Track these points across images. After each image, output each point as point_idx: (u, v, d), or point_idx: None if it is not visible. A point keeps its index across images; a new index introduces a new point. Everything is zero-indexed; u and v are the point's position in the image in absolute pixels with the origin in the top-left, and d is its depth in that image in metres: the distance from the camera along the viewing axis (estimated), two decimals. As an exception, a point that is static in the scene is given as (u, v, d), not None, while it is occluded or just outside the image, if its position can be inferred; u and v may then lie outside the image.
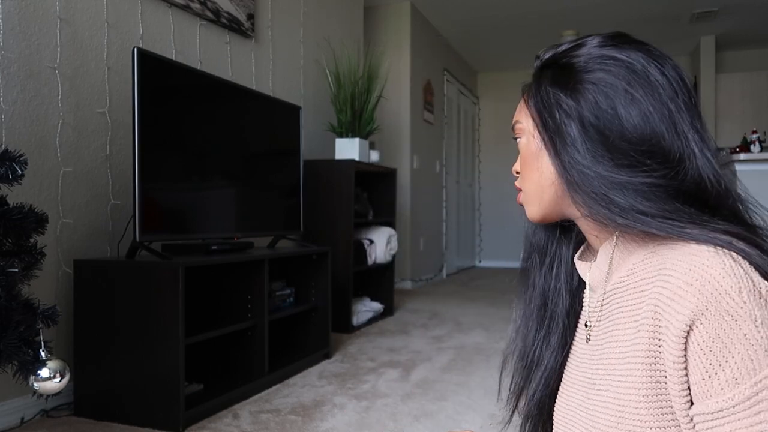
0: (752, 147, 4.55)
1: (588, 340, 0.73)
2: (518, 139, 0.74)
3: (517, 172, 0.76)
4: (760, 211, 0.65)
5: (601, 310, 0.71)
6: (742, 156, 4.39)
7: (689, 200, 0.62)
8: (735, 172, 4.35)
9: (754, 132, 4.76)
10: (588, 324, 0.74)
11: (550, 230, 0.82)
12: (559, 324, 0.80)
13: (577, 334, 0.78)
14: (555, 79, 0.68)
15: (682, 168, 0.62)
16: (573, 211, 0.69)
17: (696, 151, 0.63)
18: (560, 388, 0.79)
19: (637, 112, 0.63)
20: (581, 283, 0.80)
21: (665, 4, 5.16)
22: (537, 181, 0.71)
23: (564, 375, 0.79)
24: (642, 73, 0.64)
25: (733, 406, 0.51)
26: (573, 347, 0.78)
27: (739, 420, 0.51)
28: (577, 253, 0.78)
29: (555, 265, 0.82)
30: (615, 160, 0.62)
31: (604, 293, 0.71)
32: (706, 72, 6.16)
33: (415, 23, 5.22)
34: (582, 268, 0.75)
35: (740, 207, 0.64)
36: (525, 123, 0.72)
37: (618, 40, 0.68)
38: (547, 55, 0.72)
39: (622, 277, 0.67)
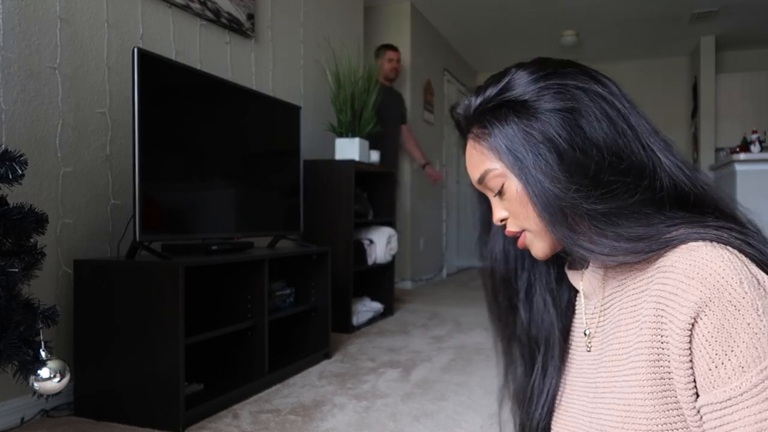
0: (752, 147, 4.55)
1: (589, 349, 0.73)
2: (501, 188, 0.69)
3: (503, 219, 0.72)
4: (734, 205, 0.66)
5: (601, 315, 0.71)
6: (742, 156, 4.39)
7: (675, 206, 0.63)
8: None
9: (754, 132, 4.77)
10: (587, 333, 0.73)
11: (518, 261, 0.80)
12: (555, 349, 0.78)
13: (573, 343, 0.77)
14: (515, 116, 0.66)
15: (657, 177, 0.63)
16: None
17: (662, 158, 0.64)
18: (558, 397, 0.77)
19: (602, 133, 0.64)
20: (569, 299, 0.79)
21: (665, 4, 5.16)
22: (537, 217, 0.67)
23: (563, 382, 0.78)
24: (592, 92, 0.65)
25: (741, 394, 0.51)
26: (570, 356, 0.77)
27: (747, 408, 0.51)
28: (567, 264, 0.77)
29: (534, 291, 0.79)
30: (596, 188, 0.62)
31: (603, 298, 0.70)
32: (706, 72, 6.15)
33: (415, 23, 5.22)
34: (574, 277, 0.74)
35: (722, 202, 0.65)
36: (497, 165, 0.68)
37: (548, 66, 0.67)
38: (479, 100, 0.69)
39: (621, 279, 0.67)
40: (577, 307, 0.77)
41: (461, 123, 0.73)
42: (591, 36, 6.04)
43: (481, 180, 0.71)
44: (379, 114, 4.00)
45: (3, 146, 1.36)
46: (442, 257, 6.06)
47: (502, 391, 0.84)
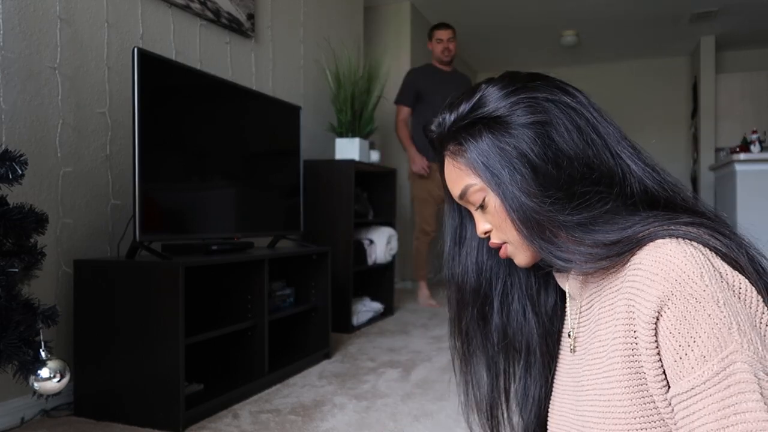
0: (752, 147, 4.55)
1: (574, 350, 0.74)
2: (483, 202, 0.71)
3: (486, 232, 0.74)
4: (704, 205, 0.68)
5: (584, 315, 0.72)
6: (742, 156, 4.39)
7: (648, 207, 0.65)
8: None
9: (754, 132, 4.76)
10: (570, 334, 0.75)
11: (492, 270, 0.81)
12: (536, 354, 0.79)
13: (564, 344, 0.79)
14: (489, 132, 0.68)
15: (627, 183, 0.66)
16: None
17: (631, 164, 0.66)
18: (551, 397, 0.79)
19: (572, 145, 0.66)
20: (555, 302, 0.80)
21: (665, 4, 5.16)
22: (515, 230, 0.70)
23: (554, 384, 0.79)
24: (562, 103, 0.67)
25: (704, 382, 0.53)
26: (560, 357, 0.79)
27: (710, 396, 0.52)
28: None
29: (510, 299, 0.80)
30: (571, 200, 0.64)
31: (585, 298, 0.72)
32: (706, 72, 6.15)
33: (415, 23, 5.22)
34: (561, 279, 0.76)
35: (692, 202, 0.67)
36: (476, 181, 0.70)
37: (518, 81, 0.69)
38: (453, 117, 0.71)
39: (599, 279, 0.69)
40: (566, 309, 0.78)
41: (436, 141, 0.75)
42: (591, 36, 6.04)
43: (462, 195, 0.73)
44: (430, 101, 3.82)
45: (3, 146, 1.37)
46: (442, 257, 6.06)
47: (466, 404, 0.84)
